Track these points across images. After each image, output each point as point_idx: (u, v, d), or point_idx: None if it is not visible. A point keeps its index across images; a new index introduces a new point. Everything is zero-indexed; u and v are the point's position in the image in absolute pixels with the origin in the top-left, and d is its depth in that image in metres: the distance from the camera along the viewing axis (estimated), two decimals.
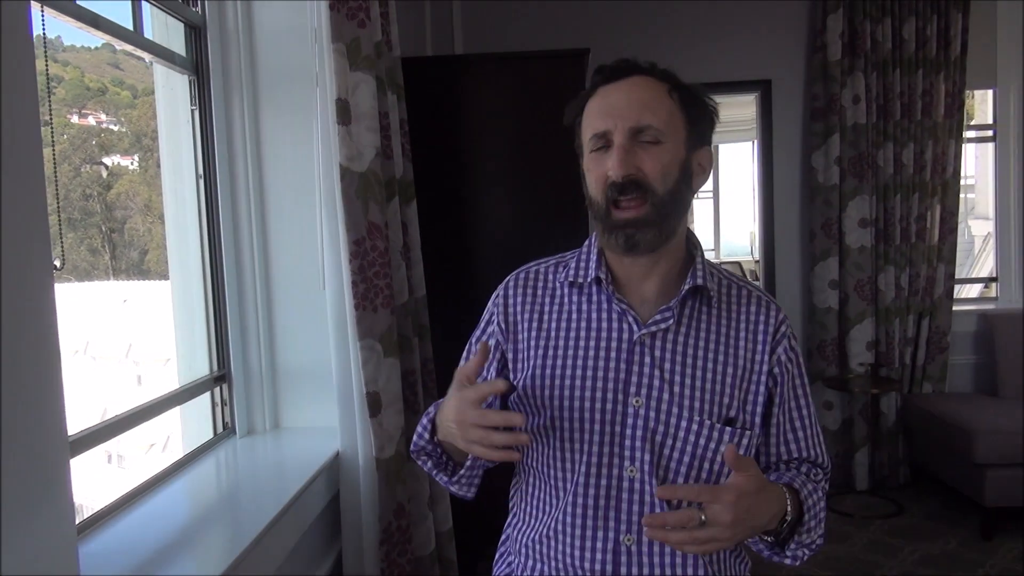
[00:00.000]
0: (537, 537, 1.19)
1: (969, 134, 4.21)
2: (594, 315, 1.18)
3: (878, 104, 3.89)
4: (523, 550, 1.22)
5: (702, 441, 1.12)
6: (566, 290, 1.22)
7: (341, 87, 1.70)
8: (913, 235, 3.94)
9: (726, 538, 0.99)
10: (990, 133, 4.22)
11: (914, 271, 3.96)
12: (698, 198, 6.61)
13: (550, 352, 1.18)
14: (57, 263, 1.16)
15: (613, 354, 1.15)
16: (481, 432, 1.03)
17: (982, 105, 4.60)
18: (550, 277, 1.24)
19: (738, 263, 7.60)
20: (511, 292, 1.25)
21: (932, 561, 3.15)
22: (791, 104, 4.05)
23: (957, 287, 4.19)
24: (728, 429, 1.13)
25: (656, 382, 1.13)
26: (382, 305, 1.78)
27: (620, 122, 1.09)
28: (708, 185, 7.26)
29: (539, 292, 1.24)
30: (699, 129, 1.16)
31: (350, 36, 1.72)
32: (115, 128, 2.35)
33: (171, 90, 1.88)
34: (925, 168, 3.90)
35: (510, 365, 1.23)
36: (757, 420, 1.17)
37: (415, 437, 1.21)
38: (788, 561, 1.15)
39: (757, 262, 5.84)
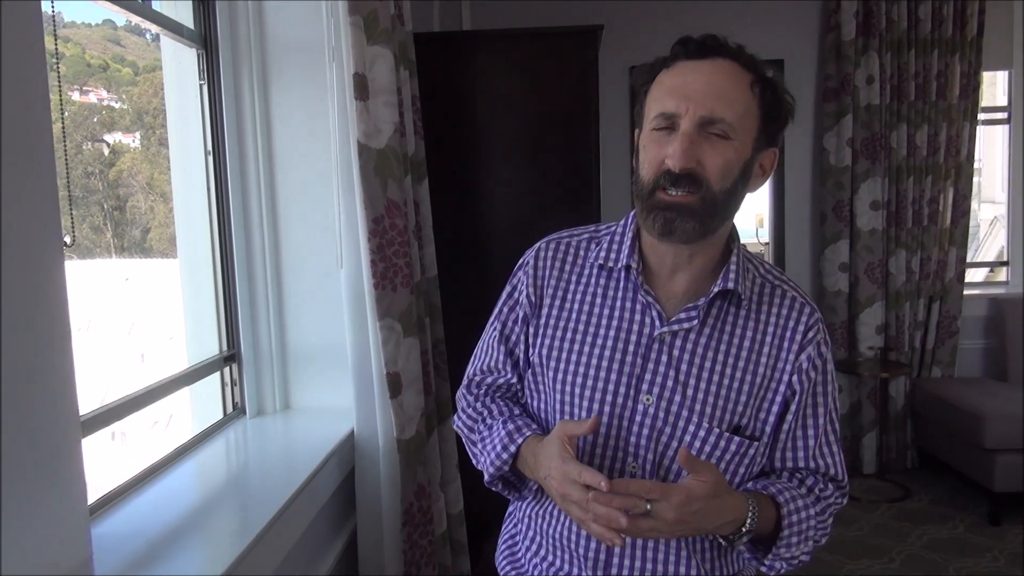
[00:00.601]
0: (541, 511, 1.19)
1: (982, 116, 4.15)
2: (618, 303, 1.14)
3: (892, 85, 3.83)
4: (526, 519, 1.22)
5: (707, 448, 1.09)
6: (595, 270, 1.17)
7: (358, 61, 1.65)
8: (925, 218, 3.90)
9: (666, 532, 0.99)
10: (1002, 115, 4.16)
11: (925, 254, 3.93)
12: None
13: (568, 334, 1.15)
14: (67, 240, 1.13)
15: (631, 347, 1.11)
16: (580, 511, 1.00)
17: (991, 88, 4.54)
18: (581, 253, 1.19)
19: (743, 246, 7.55)
20: (542, 262, 1.20)
21: (940, 545, 3.14)
22: (803, 84, 3.99)
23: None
24: (736, 439, 1.10)
25: (670, 382, 1.10)
26: (401, 284, 1.75)
27: (693, 108, 1.01)
28: None
29: (567, 267, 1.19)
30: (772, 129, 1.08)
31: (367, 9, 1.68)
32: (116, 105, 2.32)
33: (179, 64, 1.83)
34: (939, 150, 3.85)
35: (530, 339, 1.19)
36: (768, 430, 1.13)
37: (492, 469, 1.15)
38: (764, 569, 1.12)
39: (765, 244, 5.81)
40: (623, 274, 1.15)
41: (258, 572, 1.28)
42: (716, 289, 1.10)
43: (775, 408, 1.12)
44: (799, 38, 3.97)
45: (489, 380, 1.25)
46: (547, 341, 1.16)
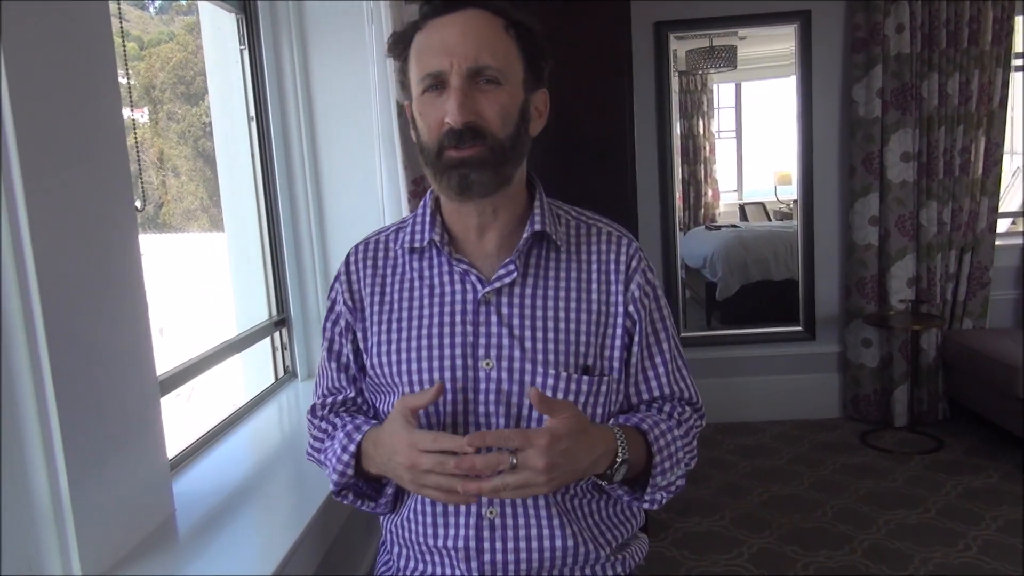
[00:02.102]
0: (399, 521, 1.14)
1: (1015, 63, 4.07)
2: (436, 280, 1.11)
3: (923, 33, 3.76)
4: (388, 536, 1.18)
5: (559, 395, 1.07)
6: (406, 257, 1.14)
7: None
8: (957, 168, 3.85)
9: (541, 482, 0.93)
10: None
11: (957, 205, 3.89)
12: (720, 138, 6.48)
13: (394, 326, 1.11)
14: (138, 204, 1.15)
15: (458, 318, 1.09)
16: (439, 478, 0.94)
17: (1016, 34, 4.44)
18: (392, 245, 1.16)
19: (761, 204, 7.53)
20: (352, 267, 1.17)
21: (975, 495, 3.16)
22: (831, 35, 3.93)
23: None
24: (586, 378, 1.08)
25: (505, 340, 1.07)
26: None
27: (457, 61, 0.99)
28: (731, 125, 7.12)
29: (380, 263, 1.16)
30: (536, 70, 1.07)
31: None
32: (123, 81, 2.32)
33: (218, 29, 1.83)
34: (971, 99, 3.79)
35: (361, 345, 1.16)
36: (616, 365, 1.12)
37: (336, 476, 1.08)
38: (647, 506, 1.10)
39: (782, 203, 5.77)
40: (434, 251, 1.12)
41: (325, 537, 1.31)
42: (526, 234, 1.09)
43: (618, 342, 1.11)
44: None
45: (330, 399, 1.21)
46: (377, 339, 1.12)
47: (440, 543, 1.09)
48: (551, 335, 1.08)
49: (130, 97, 1.70)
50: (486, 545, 1.07)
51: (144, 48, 2.20)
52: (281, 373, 1.95)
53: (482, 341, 1.08)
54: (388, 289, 1.14)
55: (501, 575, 1.07)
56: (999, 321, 4.07)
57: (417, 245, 1.12)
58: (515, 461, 0.92)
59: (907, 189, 3.85)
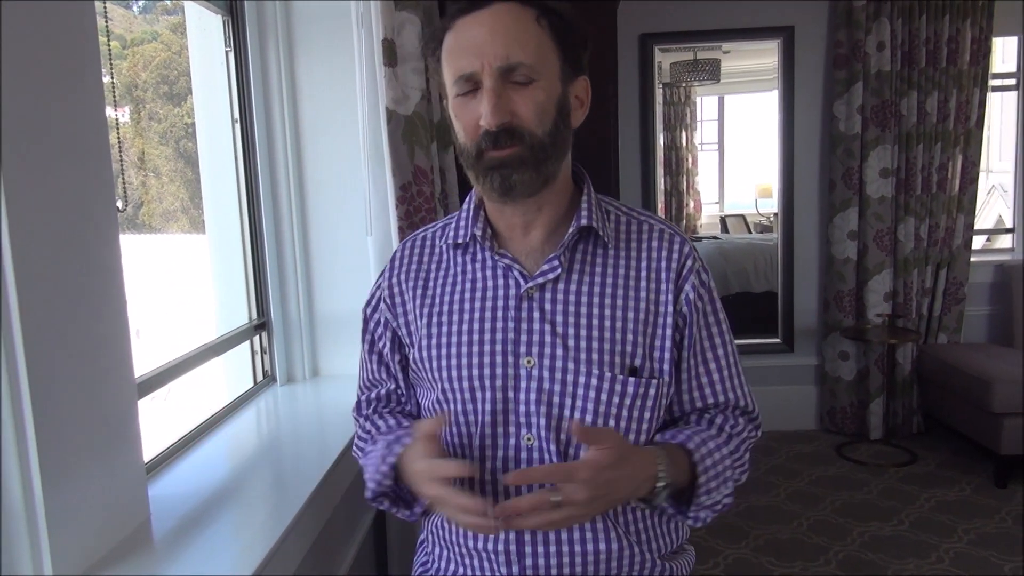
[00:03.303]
0: (440, 522, 1.12)
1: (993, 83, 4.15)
2: (479, 274, 1.09)
3: (903, 51, 3.82)
4: (430, 536, 1.16)
5: (604, 396, 1.03)
6: (450, 253, 1.13)
7: (387, 27, 1.65)
8: (934, 185, 3.91)
9: (583, 515, 0.94)
10: (1011, 82, 4.16)
11: (933, 221, 3.95)
12: (702, 150, 6.53)
13: (434, 320, 1.10)
14: (120, 204, 1.13)
15: (500, 313, 1.06)
16: (450, 510, 0.96)
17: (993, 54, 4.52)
18: (437, 241, 1.15)
19: (742, 216, 7.59)
20: (398, 263, 1.17)
21: (948, 508, 3.20)
22: (814, 51, 3.98)
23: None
24: (632, 379, 1.04)
25: (548, 338, 1.04)
26: None
27: (487, 61, 0.97)
28: (713, 137, 7.19)
29: (425, 259, 1.15)
30: (573, 58, 1.04)
31: None
32: (106, 79, 2.30)
33: (204, 30, 1.82)
34: (948, 117, 3.85)
35: (404, 340, 1.15)
36: (666, 367, 1.07)
37: (373, 484, 1.09)
38: (691, 523, 1.09)
39: (763, 215, 5.81)
40: (476, 246, 1.11)
41: (305, 538, 1.30)
42: (572, 229, 1.06)
43: (668, 343, 1.07)
44: (810, 4, 3.95)
45: (373, 395, 1.21)
46: (421, 335, 1.11)
47: (481, 545, 1.06)
48: (595, 333, 1.04)
49: (113, 96, 1.68)
50: (527, 548, 1.04)
51: (127, 47, 2.18)
52: (260, 377, 1.93)
53: (523, 338, 1.05)
54: (432, 284, 1.13)
55: None
56: (973, 336, 4.14)
57: (461, 240, 1.11)
58: (558, 500, 0.91)
59: (885, 205, 3.90)
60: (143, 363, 1.51)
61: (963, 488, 3.39)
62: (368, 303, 1.19)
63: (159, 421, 1.76)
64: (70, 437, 0.98)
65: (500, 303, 1.07)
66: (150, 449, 1.48)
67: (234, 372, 1.90)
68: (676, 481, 1.03)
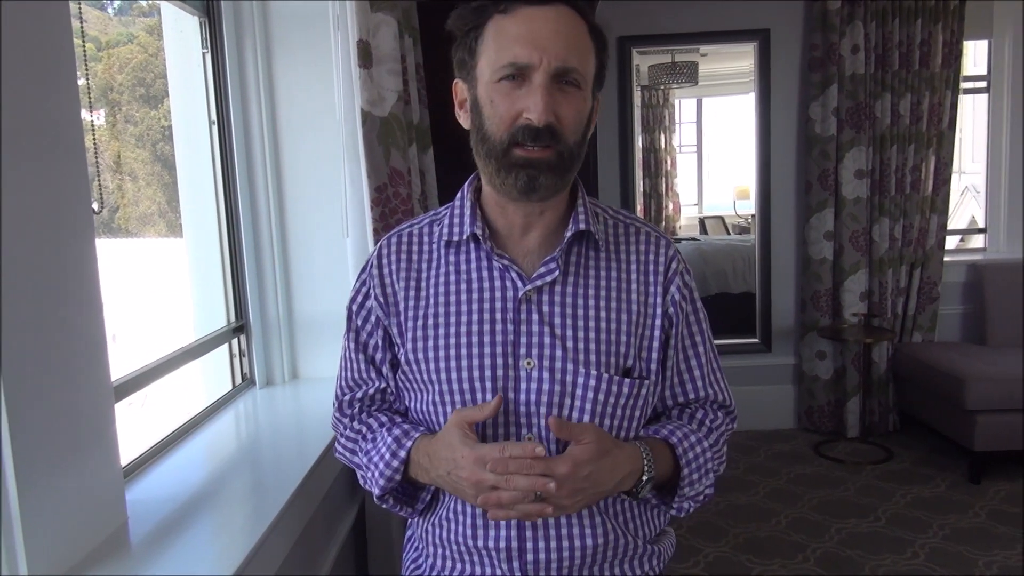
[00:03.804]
0: (436, 521, 1.12)
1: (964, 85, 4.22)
2: (475, 275, 1.09)
3: (876, 54, 3.88)
4: (425, 535, 1.16)
5: (601, 397, 1.05)
6: (443, 250, 1.11)
7: (363, 28, 1.65)
8: (908, 186, 3.97)
9: (566, 508, 0.97)
10: (981, 84, 4.23)
11: (908, 222, 4.00)
12: (681, 152, 6.58)
13: (430, 321, 1.09)
14: (95, 206, 1.13)
15: (499, 315, 1.06)
16: (508, 494, 0.95)
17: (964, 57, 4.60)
18: (426, 238, 1.14)
19: (721, 218, 7.66)
20: (386, 259, 1.14)
21: (923, 504, 3.24)
22: (789, 54, 4.03)
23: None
24: (627, 380, 1.07)
25: (547, 340, 1.05)
26: None
27: (547, 58, 0.97)
28: (692, 139, 7.24)
29: (415, 256, 1.13)
30: (601, 77, 1.07)
31: None
32: (80, 82, 2.28)
33: (180, 32, 1.82)
34: (921, 119, 3.91)
35: (395, 340, 1.12)
36: (654, 367, 1.11)
37: (383, 481, 1.08)
38: (674, 513, 1.13)
39: (741, 217, 5.86)
40: (472, 245, 1.10)
41: (286, 539, 1.30)
42: (569, 234, 1.07)
43: (656, 344, 1.10)
44: (785, 7, 3.99)
45: (359, 395, 1.18)
46: (413, 335, 1.10)
47: (481, 543, 1.07)
48: (592, 335, 1.06)
49: (89, 98, 1.67)
50: (528, 545, 1.06)
51: (102, 49, 2.16)
52: (239, 380, 1.92)
53: (523, 340, 1.05)
54: (424, 284, 1.11)
55: (544, 574, 1.07)
56: (947, 335, 4.20)
57: (456, 238, 1.10)
58: (553, 486, 0.93)
59: (860, 205, 3.95)
60: (120, 367, 1.50)
61: (938, 484, 3.44)
62: (354, 299, 1.17)
63: (137, 425, 1.75)
64: (45, 441, 0.98)
65: (499, 304, 1.07)
66: (128, 453, 1.47)
67: (213, 375, 1.89)
68: (659, 474, 1.06)
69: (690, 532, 3.03)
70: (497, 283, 1.08)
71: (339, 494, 1.76)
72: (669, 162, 5.84)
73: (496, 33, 1.01)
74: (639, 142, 4.55)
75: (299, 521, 1.38)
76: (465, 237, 1.09)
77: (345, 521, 1.76)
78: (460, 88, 1.09)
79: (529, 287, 1.06)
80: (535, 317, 1.06)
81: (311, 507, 1.46)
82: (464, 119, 1.08)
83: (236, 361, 1.91)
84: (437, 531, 1.12)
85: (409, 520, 1.21)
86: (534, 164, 0.99)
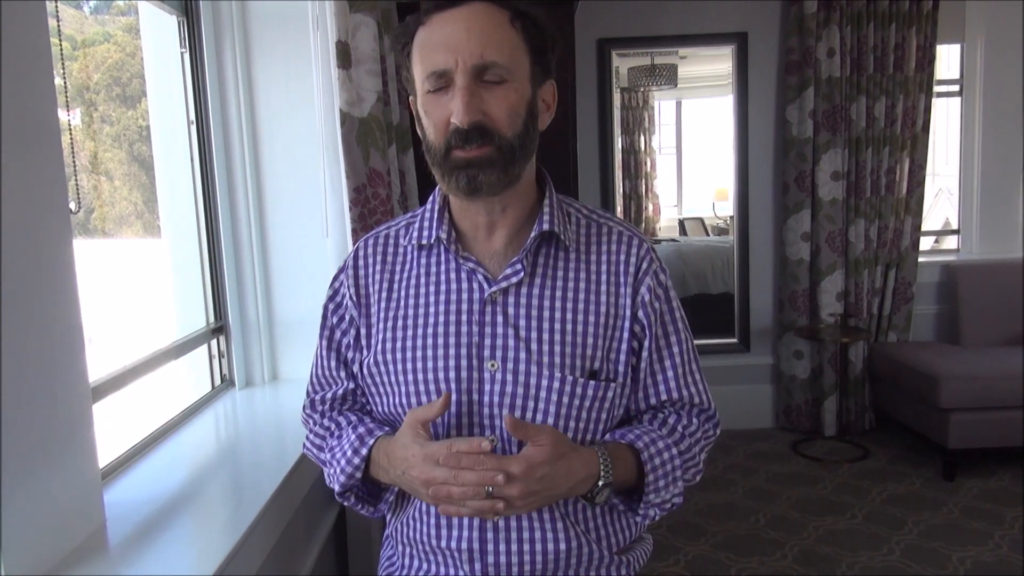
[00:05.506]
0: (405, 519, 1.13)
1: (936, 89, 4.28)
2: (443, 276, 1.09)
3: (852, 57, 3.93)
4: (394, 533, 1.16)
5: (565, 399, 1.05)
6: (416, 253, 1.12)
7: (341, 29, 1.65)
8: (883, 188, 4.03)
9: (518, 508, 0.96)
10: (954, 88, 4.30)
11: (883, 223, 4.06)
12: (661, 154, 6.62)
13: (399, 323, 1.09)
14: (72, 206, 1.12)
15: (464, 317, 1.07)
16: (457, 489, 0.94)
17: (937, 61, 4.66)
18: (401, 240, 1.14)
19: (700, 219, 7.72)
20: (362, 260, 1.15)
21: (898, 501, 3.29)
22: (767, 57, 4.07)
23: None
24: (592, 383, 1.06)
25: (511, 342, 1.05)
26: None
27: (462, 59, 0.97)
28: (671, 141, 7.29)
29: (390, 258, 1.14)
30: (543, 62, 1.05)
31: None
32: (56, 81, 2.26)
33: (158, 31, 1.81)
34: (896, 122, 3.97)
35: (364, 342, 1.13)
36: (622, 369, 1.10)
37: (343, 478, 1.08)
38: (639, 519, 1.11)
39: (719, 218, 5.91)
40: (440, 247, 1.11)
41: (267, 539, 1.30)
42: (534, 234, 1.07)
43: (624, 347, 1.09)
44: (762, 11, 4.03)
45: (329, 394, 1.19)
46: (383, 336, 1.10)
47: (444, 544, 1.08)
48: (558, 337, 1.06)
49: (65, 98, 1.66)
50: (490, 547, 1.06)
51: (78, 48, 2.14)
52: (218, 381, 1.91)
53: (487, 342, 1.06)
54: (396, 285, 1.12)
55: None
56: (921, 334, 4.26)
57: (424, 242, 1.10)
58: (490, 490, 0.93)
59: (837, 207, 4.00)
60: (98, 368, 1.48)
61: (913, 482, 3.49)
62: (331, 298, 1.17)
63: (116, 426, 1.74)
64: (21, 442, 0.97)
65: (464, 306, 1.07)
66: (106, 454, 1.46)
67: (192, 376, 1.88)
68: (620, 480, 1.05)
69: (669, 531, 3.06)
70: (464, 284, 1.08)
71: (319, 495, 1.76)
72: (649, 164, 5.87)
73: (419, 46, 1.02)
74: (619, 144, 4.57)
75: (279, 522, 1.37)
76: (433, 240, 1.10)
77: (326, 521, 1.76)
78: (412, 103, 1.10)
79: (494, 288, 1.06)
80: (500, 319, 1.06)
81: (291, 508, 1.46)
82: (420, 132, 1.08)
83: (216, 362, 1.90)
84: (405, 529, 1.13)
85: (388, 519, 1.22)
86: (472, 163, 1.00)
